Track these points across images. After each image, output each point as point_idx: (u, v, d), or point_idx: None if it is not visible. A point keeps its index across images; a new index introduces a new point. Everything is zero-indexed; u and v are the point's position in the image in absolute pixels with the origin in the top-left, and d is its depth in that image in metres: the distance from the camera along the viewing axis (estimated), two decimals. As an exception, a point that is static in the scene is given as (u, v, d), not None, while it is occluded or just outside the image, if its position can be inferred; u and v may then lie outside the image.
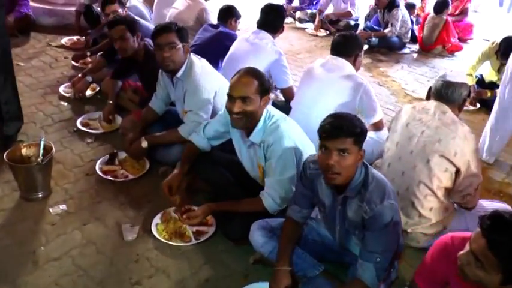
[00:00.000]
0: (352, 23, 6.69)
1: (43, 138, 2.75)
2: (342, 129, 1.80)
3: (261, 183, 2.46)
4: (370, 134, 3.08)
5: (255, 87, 2.22)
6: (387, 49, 6.16)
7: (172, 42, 2.74)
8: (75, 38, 5.34)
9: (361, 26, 6.67)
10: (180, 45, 2.77)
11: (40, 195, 2.72)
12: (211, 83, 2.85)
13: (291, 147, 2.24)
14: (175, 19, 4.60)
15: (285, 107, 3.34)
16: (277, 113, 2.37)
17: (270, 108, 2.38)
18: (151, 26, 3.91)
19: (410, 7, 6.67)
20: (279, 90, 3.83)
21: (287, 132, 2.28)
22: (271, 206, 2.31)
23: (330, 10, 7.07)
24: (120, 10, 4.06)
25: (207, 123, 2.63)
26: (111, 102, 3.58)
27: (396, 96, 4.78)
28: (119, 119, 3.59)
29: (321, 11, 6.92)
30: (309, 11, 7.16)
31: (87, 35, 5.07)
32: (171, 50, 2.74)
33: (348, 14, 6.69)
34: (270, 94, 2.34)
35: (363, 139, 1.86)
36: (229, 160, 2.65)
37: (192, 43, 3.91)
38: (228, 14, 4.12)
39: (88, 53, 4.63)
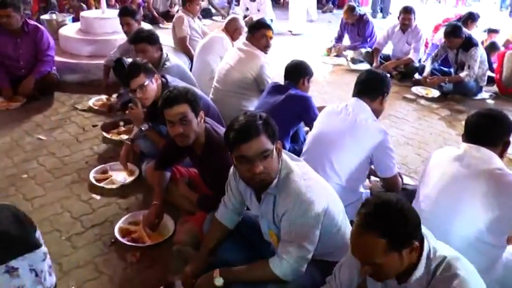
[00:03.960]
0: (417, 64, 5.82)
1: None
2: None
3: None
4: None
5: (383, 247, 1.44)
6: (462, 95, 5.24)
7: (265, 150, 1.81)
8: (104, 97, 4.50)
9: (427, 67, 5.72)
10: (273, 149, 1.86)
11: None
12: (319, 200, 1.90)
13: None
14: (226, 77, 3.81)
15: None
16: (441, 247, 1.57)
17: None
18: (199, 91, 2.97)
19: (492, 48, 5.76)
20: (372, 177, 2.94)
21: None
22: None
23: (387, 49, 6.22)
24: (147, 81, 2.92)
25: None
26: (157, 203, 2.64)
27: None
28: (169, 223, 2.70)
29: (378, 50, 6.08)
30: (363, 50, 6.27)
31: (119, 95, 4.28)
32: (264, 161, 1.82)
33: (409, 62, 5.80)
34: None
35: None
36: None
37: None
38: (299, 72, 3.31)
39: (121, 123, 3.82)
